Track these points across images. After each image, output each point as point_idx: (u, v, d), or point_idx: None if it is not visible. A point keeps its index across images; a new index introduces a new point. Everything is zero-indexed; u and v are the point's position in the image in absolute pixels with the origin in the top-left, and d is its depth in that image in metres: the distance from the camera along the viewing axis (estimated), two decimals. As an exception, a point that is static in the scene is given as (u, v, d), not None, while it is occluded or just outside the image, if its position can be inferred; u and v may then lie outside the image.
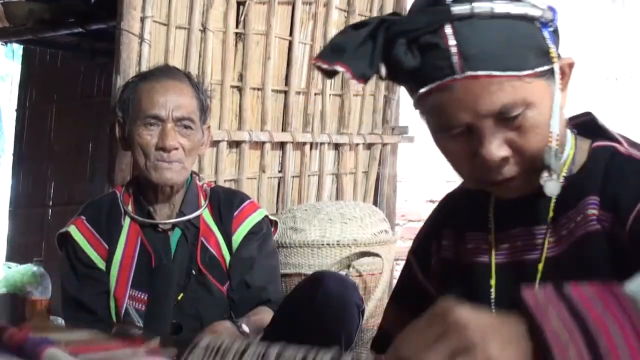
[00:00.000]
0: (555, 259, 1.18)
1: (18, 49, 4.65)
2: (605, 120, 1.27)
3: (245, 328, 1.93)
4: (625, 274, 0.87)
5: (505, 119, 1.08)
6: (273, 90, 3.12)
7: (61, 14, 3.41)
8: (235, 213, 2.19)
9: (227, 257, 2.15)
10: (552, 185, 1.12)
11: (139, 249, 2.12)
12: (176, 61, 2.70)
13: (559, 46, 1.15)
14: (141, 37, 2.60)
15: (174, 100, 2.07)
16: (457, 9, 1.06)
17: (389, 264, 2.84)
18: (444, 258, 1.31)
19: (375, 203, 3.55)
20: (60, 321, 2.84)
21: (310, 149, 3.28)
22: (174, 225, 2.15)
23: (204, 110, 2.16)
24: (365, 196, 3.54)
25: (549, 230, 1.19)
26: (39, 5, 3.40)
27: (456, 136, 1.11)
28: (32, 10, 3.38)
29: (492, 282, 1.22)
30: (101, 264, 2.12)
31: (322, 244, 2.80)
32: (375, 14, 3.48)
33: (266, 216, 2.25)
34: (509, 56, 1.06)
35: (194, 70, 2.71)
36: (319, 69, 1.14)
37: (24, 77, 4.59)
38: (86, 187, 4.13)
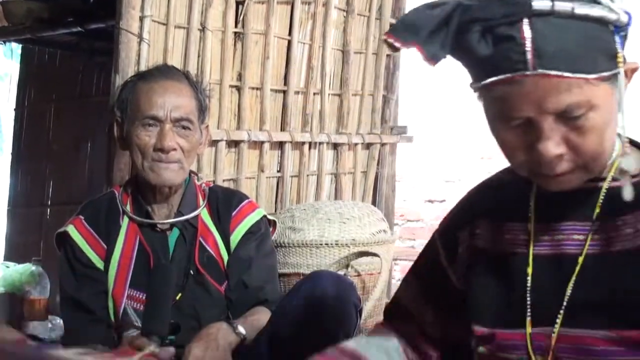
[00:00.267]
0: (599, 257, 1.19)
1: (17, 48, 4.63)
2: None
3: (241, 329, 1.93)
4: None
5: (567, 117, 1.10)
6: (272, 90, 3.12)
7: (60, 13, 3.41)
8: (234, 213, 2.18)
9: (225, 257, 2.15)
10: (628, 190, 1.15)
11: (137, 248, 2.11)
12: (175, 61, 2.70)
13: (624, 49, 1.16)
14: (140, 37, 2.60)
15: (172, 101, 2.07)
16: (538, 5, 1.06)
17: (387, 264, 2.84)
18: (477, 246, 1.32)
19: (374, 203, 3.55)
20: (59, 321, 2.85)
21: (309, 148, 3.28)
22: (172, 225, 2.15)
23: (202, 110, 2.16)
24: (364, 196, 3.54)
25: (593, 227, 1.20)
26: (37, 4, 3.40)
27: (515, 127, 1.13)
28: (30, 9, 3.38)
29: (529, 270, 1.23)
30: (99, 264, 2.12)
31: (321, 244, 2.80)
32: (374, 13, 3.48)
33: (264, 216, 2.25)
34: (581, 58, 1.07)
35: (192, 69, 2.71)
36: (389, 44, 1.14)
37: (23, 76, 4.59)
38: (85, 186, 4.13)
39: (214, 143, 2.87)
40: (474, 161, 4.90)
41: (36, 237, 4.30)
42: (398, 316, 1.45)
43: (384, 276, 2.75)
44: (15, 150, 4.60)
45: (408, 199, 5.00)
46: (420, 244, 4.56)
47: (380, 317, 1.54)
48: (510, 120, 1.12)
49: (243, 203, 2.21)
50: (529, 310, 1.21)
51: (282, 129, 3.18)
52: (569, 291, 1.18)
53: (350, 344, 1.35)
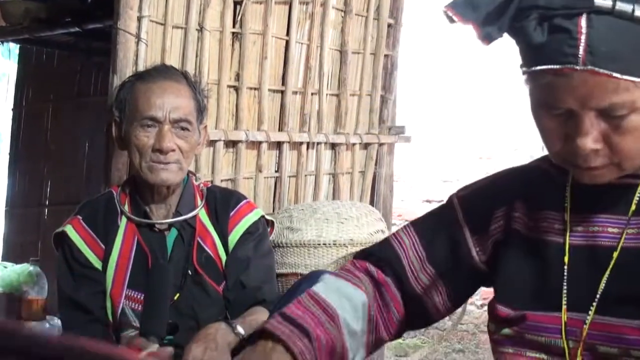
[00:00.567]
0: (635, 251, 1.20)
1: (14, 48, 4.63)
2: None
3: (240, 329, 1.93)
4: None
5: (608, 115, 1.11)
6: (270, 90, 3.12)
7: (58, 13, 3.41)
8: (232, 213, 2.18)
9: (224, 257, 2.15)
10: None
11: (136, 248, 2.11)
12: (173, 61, 2.70)
13: None
14: (138, 37, 2.60)
15: (171, 102, 2.07)
16: (600, 1, 1.07)
17: (385, 264, 2.84)
18: (513, 228, 1.33)
19: (371, 203, 3.55)
20: (57, 321, 2.85)
21: (307, 148, 3.28)
22: (171, 225, 2.15)
23: (200, 110, 2.16)
24: (362, 196, 3.54)
25: (629, 222, 1.22)
26: (35, 4, 3.40)
27: (556, 116, 1.15)
28: (28, 9, 3.38)
29: (566, 259, 1.25)
30: (97, 264, 2.12)
31: (319, 244, 2.80)
32: (372, 13, 3.48)
33: (262, 216, 2.25)
34: (633, 61, 1.08)
35: (190, 69, 2.71)
36: (448, 17, 1.14)
37: (21, 76, 4.59)
38: (82, 186, 4.13)
39: (212, 143, 2.87)
40: (472, 161, 4.91)
41: (34, 237, 4.30)
42: (381, 261, 1.42)
43: (382, 276, 2.75)
44: (13, 150, 4.61)
45: (406, 199, 5.01)
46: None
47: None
48: (553, 109, 1.14)
49: (241, 203, 2.21)
50: (564, 298, 1.23)
51: (280, 129, 3.18)
52: (603, 283, 1.21)
53: (321, 290, 1.33)
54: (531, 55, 1.14)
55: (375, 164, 3.59)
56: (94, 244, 2.12)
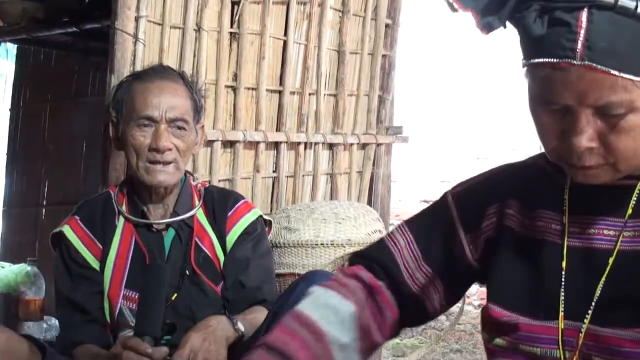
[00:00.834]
0: (631, 254, 1.19)
1: (12, 48, 4.64)
2: None
3: (241, 326, 1.94)
4: None
5: (605, 114, 1.09)
6: (267, 90, 3.12)
7: (55, 13, 3.41)
8: (230, 213, 2.18)
9: (221, 258, 2.15)
10: None
11: (133, 248, 2.11)
12: (170, 61, 2.69)
13: None
14: (135, 37, 2.60)
15: (167, 102, 2.07)
16: None
17: (383, 264, 2.84)
18: (506, 226, 1.31)
19: (369, 203, 3.55)
20: (54, 321, 2.84)
21: (305, 148, 3.28)
22: (168, 225, 2.15)
23: (198, 110, 2.16)
24: (360, 196, 3.54)
25: (626, 224, 1.20)
26: (33, 4, 3.40)
27: (553, 111, 1.13)
28: (26, 9, 3.38)
29: (564, 264, 1.23)
30: (95, 264, 2.12)
31: (316, 244, 2.80)
32: (370, 14, 3.48)
33: (260, 216, 2.25)
34: (632, 59, 1.07)
35: (188, 70, 2.71)
36: (448, 3, 1.13)
37: (18, 76, 4.59)
38: (80, 186, 4.13)
39: (210, 143, 2.87)
40: (469, 161, 4.91)
41: (31, 237, 4.29)
42: (375, 262, 1.40)
43: (379, 276, 2.75)
44: (11, 150, 4.60)
45: (404, 199, 5.01)
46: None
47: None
48: (550, 104, 1.13)
49: (239, 203, 2.21)
50: (562, 305, 1.21)
51: (278, 129, 3.18)
52: (599, 289, 1.19)
53: (306, 308, 1.30)
54: (530, 47, 1.13)
55: (373, 164, 3.59)
56: (91, 244, 2.12)
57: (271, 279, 2.25)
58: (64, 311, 2.13)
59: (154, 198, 2.13)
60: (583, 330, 1.18)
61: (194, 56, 2.83)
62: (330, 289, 1.35)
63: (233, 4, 2.96)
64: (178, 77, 2.16)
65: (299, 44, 3.23)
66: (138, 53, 2.61)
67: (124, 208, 2.15)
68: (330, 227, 2.85)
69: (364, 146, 3.54)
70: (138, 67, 2.55)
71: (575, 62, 1.07)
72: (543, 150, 1.22)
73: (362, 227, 2.92)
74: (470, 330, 5.28)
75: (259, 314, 2.05)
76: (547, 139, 1.17)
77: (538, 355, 1.22)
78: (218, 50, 2.92)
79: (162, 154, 2.05)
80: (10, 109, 4.62)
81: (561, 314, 1.21)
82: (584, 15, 1.06)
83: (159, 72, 2.17)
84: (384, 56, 3.57)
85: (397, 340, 4.82)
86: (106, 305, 2.10)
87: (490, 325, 1.29)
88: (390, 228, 4.05)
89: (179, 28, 2.79)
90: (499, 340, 1.26)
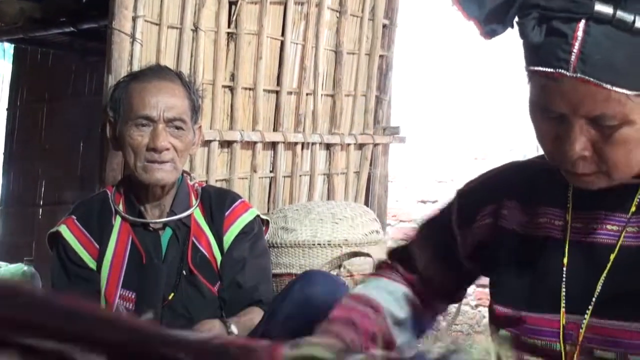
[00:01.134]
0: (634, 249, 1.20)
1: (9, 48, 4.64)
2: None
3: (234, 328, 1.93)
4: None
5: (599, 124, 1.10)
6: (265, 90, 3.12)
7: (52, 13, 3.41)
8: (227, 213, 2.18)
9: (219, 257, 2.15)
10: None
11: (130, 248, 2.11)
12: (168, 61, 2.70)
13: None
14: (133, 37, 2.60)
15: (165, 101, 2.07)
16: (600, 8, 1.05)
17: (380, 264, 2.84)
18: (503, 227, 1.33)
19: (366, 203, 3.55)
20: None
21: (302, 149, 3.29)
22: (165, 225, 2.14)
23: (195, 110, 2.16)
24: (357, 196, 3.55)
25: (629, 220, 1.22)
26: (30, 4, 3.40)
27: (550, 118, 1.14)
28: (23, 9, 3.38)
29: (565, 260, 1.25)
30: (92, 264, 2.12)
31: (313, 244, 2.81)
32: (367, 14, 3.48)
33: (257, 216, 2.25)
34: (627, 74, 1.06)
35: (185, 69, 2.71)
36: (455, 9, 1.14)
37: (15, 76, 4.59)
38: (77, 186, 4.13)
39: (207, 143, 2.87)
40: (466, 162, 4.91)
41: (28, 237, 4.29)
42: (404, 257, 1.48)
43: (376, 276, 2.75)
44: (8, 150, 4.60)
45: (400, 200, 5.01)
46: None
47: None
48: (547, 111, 1.14)
49: (236, 203, 2.21)
50: (563, 299, 1.23)
51: (275, 129, 3.18)
52: (600, 283, 1.21)
53: (362, 290, 1.41)
54: (529, 54, 1.14)
55: (370, 165, 3.59)
56: (88, 244, 2.12)
57: (268, 279, 2.25)
58: (61, 311, 2.13)
59: (151, 197, 2.13)
60: (584, 324, 1.20)
61: (192, 56, 2.83)
62: (379, 277, 1.46)
63: (230, 4, 2.96)
64: (175, 77, 2.16)
65: (297, 44, 3.23)
66: (135, 53, 2.61)
67: (120, 207, 2.15)
68: (327, 227, 2.86)
69: (361, 146, 3.54)
70: (135, 67, 2.55)
71: (568, 73, 1.07)
72: (541, 152, 1.24)
73: (359, 228, 2.92)
74: (467, 330, 5.29)
75: (255, 315, 2.05)
76: (544, 144, 1.19)
77: (539, 347, 1.25)
78: (215, 50, 2.92)
79: (160, 153, 2.05)
80: (7, 109, 4.62)
81: (562, 308, 1.23)
82: (580, 27, 1.07)
83: (156, 72, 2.17)
84: (381, 56, 3.57)
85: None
86: (103, 304, 2.09)
87: (496, 319, 1.32)
88: (387, 228, 4.06)
89: (177, 28, 2.79)
90: (503, 332, 1.29)
